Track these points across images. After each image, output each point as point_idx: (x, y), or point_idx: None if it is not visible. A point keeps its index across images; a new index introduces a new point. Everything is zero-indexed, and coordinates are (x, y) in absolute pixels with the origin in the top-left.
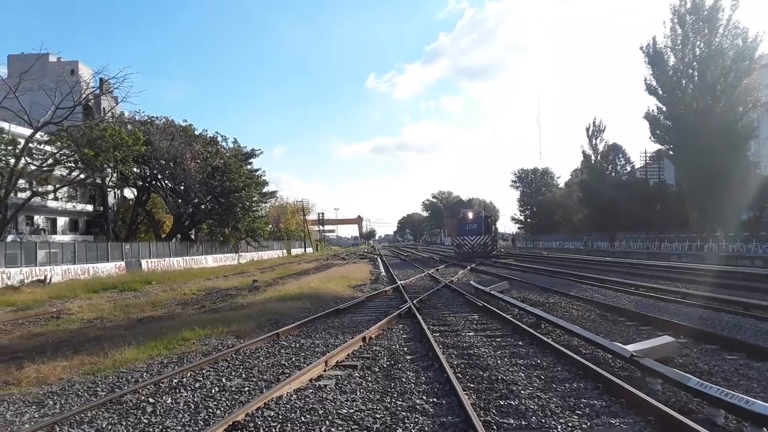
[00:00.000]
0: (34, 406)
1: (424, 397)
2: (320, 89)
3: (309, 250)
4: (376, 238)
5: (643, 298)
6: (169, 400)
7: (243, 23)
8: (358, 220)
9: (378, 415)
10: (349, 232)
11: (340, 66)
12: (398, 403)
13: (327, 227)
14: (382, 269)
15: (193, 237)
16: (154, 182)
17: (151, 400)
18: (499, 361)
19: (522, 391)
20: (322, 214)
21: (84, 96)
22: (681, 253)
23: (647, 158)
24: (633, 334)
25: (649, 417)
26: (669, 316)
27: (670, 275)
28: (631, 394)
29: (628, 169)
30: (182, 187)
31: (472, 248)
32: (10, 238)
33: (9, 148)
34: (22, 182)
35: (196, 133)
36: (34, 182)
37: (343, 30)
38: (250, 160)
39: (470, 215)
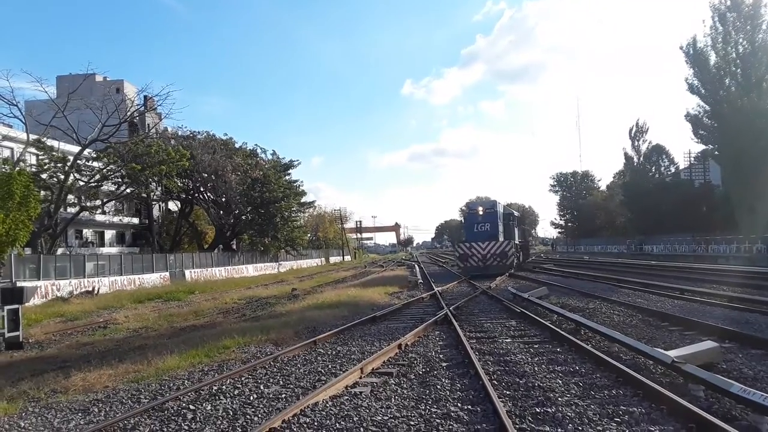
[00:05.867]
0: (80, 414)
1: (459, 405)
2: (357, 99)
3: (347, 258)
4: (414, 245)
5: (687, 302)
6: (209, 407)
7: (279, 39)
8: (396, 228)
9: (412, 422)
10: (387, 239)
11: (376, 75)
12: (433, 410)
13: (365, 235)
14: (419, 276)
15: (234, 247)
16: (196, 195)
17: (191, 407)
18: (536, 368)
19: (559, 399)
20: (360, 222)
21: (129, 113)
22: (729, 255)
23: (691, 159)
24: (675, 340)
25: (690, 424)
26: (714, 320)
27: (717, 278)
28: (672, 401)
29: (672, 170)
30: (224, 199)
31: (484, 260)
32: (60, 251)
33: (59, 165)
34: (71, 197)
35: (236, 146)
36: (82, 197)
37: (378, 38)
38: (289, 171)
39: (480, 210)
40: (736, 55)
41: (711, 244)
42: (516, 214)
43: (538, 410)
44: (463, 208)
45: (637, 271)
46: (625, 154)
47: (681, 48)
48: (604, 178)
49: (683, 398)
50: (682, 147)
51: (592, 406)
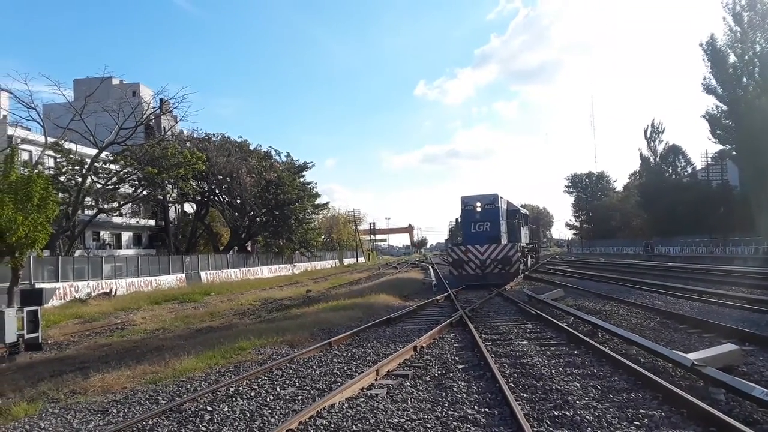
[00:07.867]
0: (98, 414)
1: (475, 407)
2: (370, 100)
3: (361, 259)
4: (428, 246)
5: (706, 305)
6: (226, 408)
7: (292, 40)
8: (409, 229)
9: (429, 425)
10: (401, 241)
11: (389, 75)
12: (449, 412)
13: (378, 237)
14: (433, 278)
15: (249, 249)
16: (212, 197)
17: (208, 408)
18: (553, 371)
19: (577, 402)
20: (374, 223)
21: (145, 116)
22: (747, 257)
23: (709, 159)
24: (695, 342)
25: (711, 428)
26: (734, 322)
27: (735, 280)
28: (693, 404)
29: (689, 170)
30: (238, 201)
31: (482, 267)
32: (77, 252)
33: (76, 167)
34: (88, 200)
35: (251, 148)
36: (100, 199)
37: (392, 39)
38: (303, 173)
39: (478, 206)
40: (753, 54)
41: (729, 245)
42: (523, 211)
43: (556, 413)
44: (463, 204)
45: (653, 273)
46: (641, 154)
47: (700, 45)
48: (619, 179)
49: (704, 401)
50: (699, 147)
51: (611, 410)
